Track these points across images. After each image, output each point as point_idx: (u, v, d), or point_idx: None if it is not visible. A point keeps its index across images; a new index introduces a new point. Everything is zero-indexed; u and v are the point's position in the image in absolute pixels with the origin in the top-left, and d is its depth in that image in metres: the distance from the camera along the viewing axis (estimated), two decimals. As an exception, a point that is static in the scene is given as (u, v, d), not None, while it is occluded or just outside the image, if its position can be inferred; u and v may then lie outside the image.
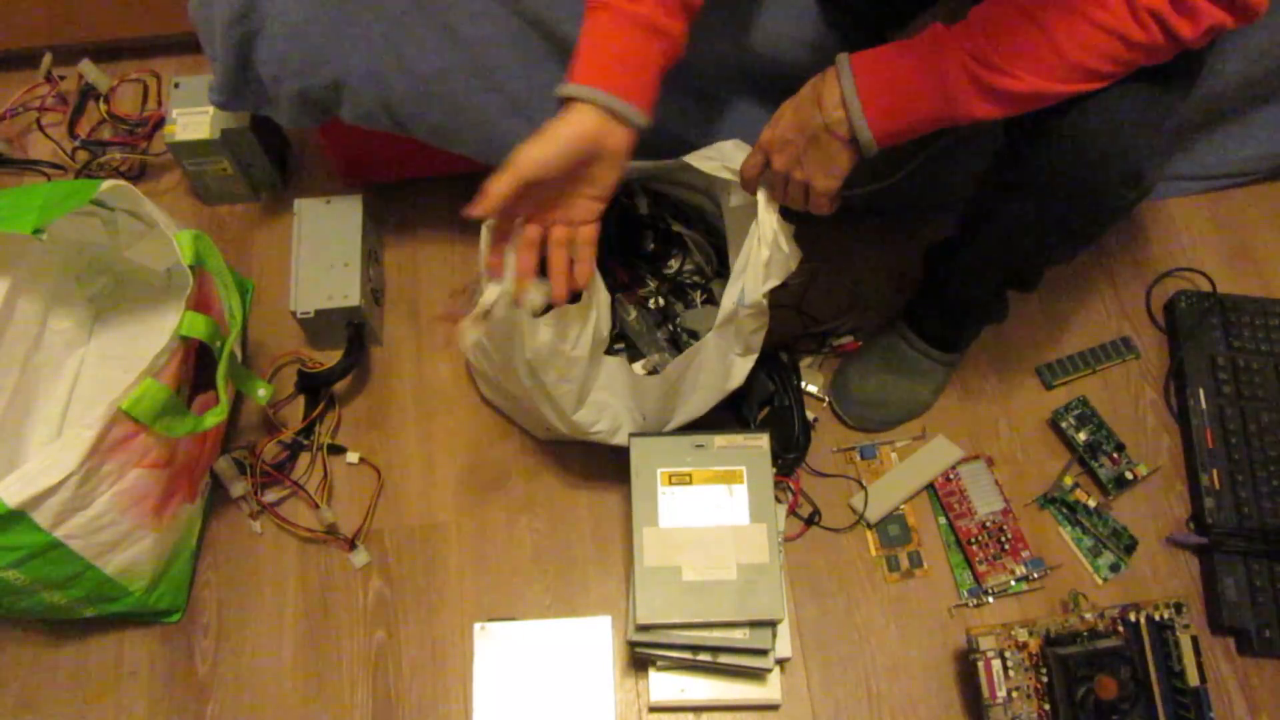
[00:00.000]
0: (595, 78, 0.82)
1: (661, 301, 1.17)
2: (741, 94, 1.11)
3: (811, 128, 0.84)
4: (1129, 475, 1.19)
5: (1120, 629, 1.04)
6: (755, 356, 1.08)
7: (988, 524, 1.17)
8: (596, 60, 0.83)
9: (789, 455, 1.18)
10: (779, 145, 0.87)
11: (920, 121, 0.81)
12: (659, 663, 1.07)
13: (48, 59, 1.41)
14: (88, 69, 1.39)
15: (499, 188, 0.81)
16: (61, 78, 1.43)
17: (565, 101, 0.83)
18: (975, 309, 1.17)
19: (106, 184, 1.00)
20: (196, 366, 1.05)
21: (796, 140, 0.86)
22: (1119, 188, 0.84)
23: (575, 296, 0.94)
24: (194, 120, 1.27)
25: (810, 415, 1.22)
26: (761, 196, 0.96)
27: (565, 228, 0.88)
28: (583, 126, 0.82)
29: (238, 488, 1.17)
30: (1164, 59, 0.77)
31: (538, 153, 0.81)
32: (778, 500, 1.14)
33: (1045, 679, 1.03)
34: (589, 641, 1.10)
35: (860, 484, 1.20)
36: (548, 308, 0.93)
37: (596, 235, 0.90)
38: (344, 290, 1.19)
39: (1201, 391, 1.22)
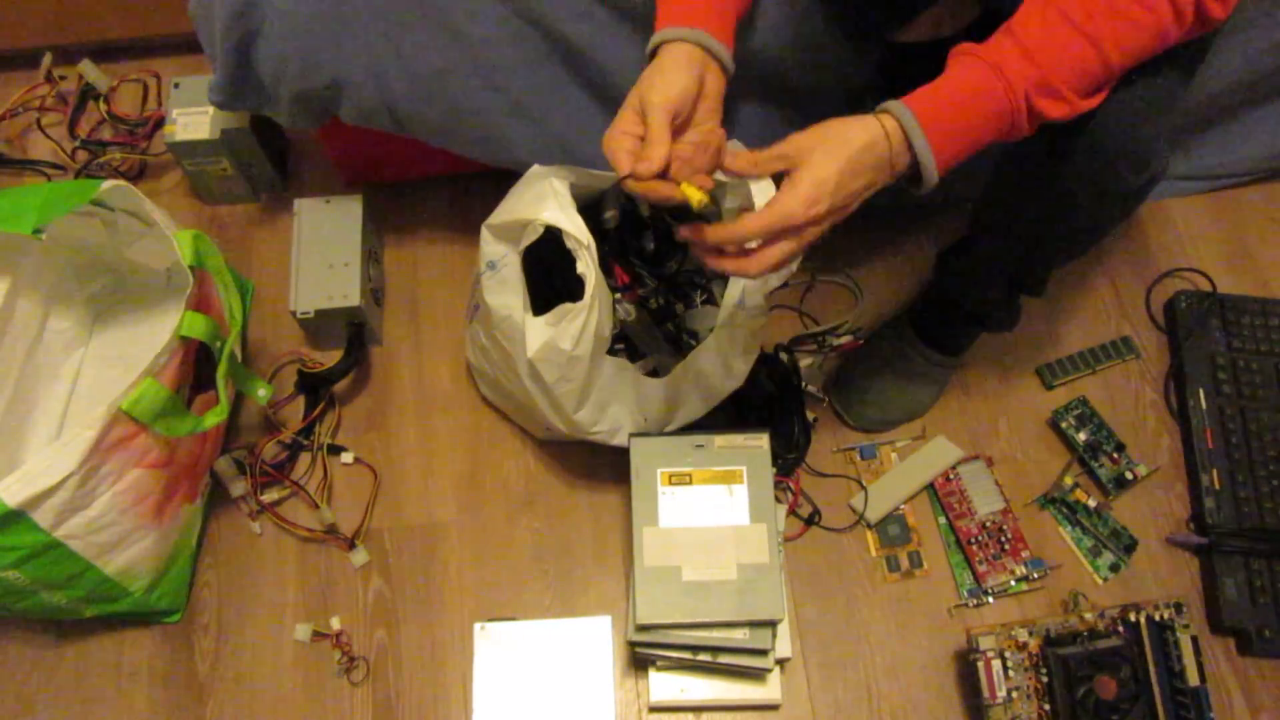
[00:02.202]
0: (688, 20, 0.82)
1: (661, 301, 1.17)
2: (739, 92, 1.11)
3: (876, 186, 0.77)
4: (1129, 475, 1.19)
5: (1120, 629, 1.04)
6: (755, 356, 1.08)
7: (988, 524, 1.17)
8: (685, 5, 0.83)
9: (789, 455, 1.18)
10: (825, 217, 0.75)
11: (975, 151, 0.78)
12: (659, 663, 1.07)
13: (48, 59, 1.41)
14: (88, 69, 1.39)
15: (659, 133, 0.76)
16: (62, 78, 1.43)
17: (658, 50, 0.82)
18: (987, 316, 1.16)
19: (106, 184, 1.00)
20: (196, 366, 1.05)
21: (849, 204, 0.76)
22: (1127, 174, 0.83)
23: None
24: (194, 120, 1.27)
25: (810, 415, 1.22)
26: (759, 198, 0.96)
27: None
28: (689, 59, 0.81)
29: (238, 488, 1.17)
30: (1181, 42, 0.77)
31: (668, 89, 0.78)
32: (778, 500, 1.14)
33: (1045, 679, 1.03)
34: (589, 641, 1.10)
35: (860, 484, 1.20)
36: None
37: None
38: (344, 290, 1.19)
39: (1201, 391, 1.22)
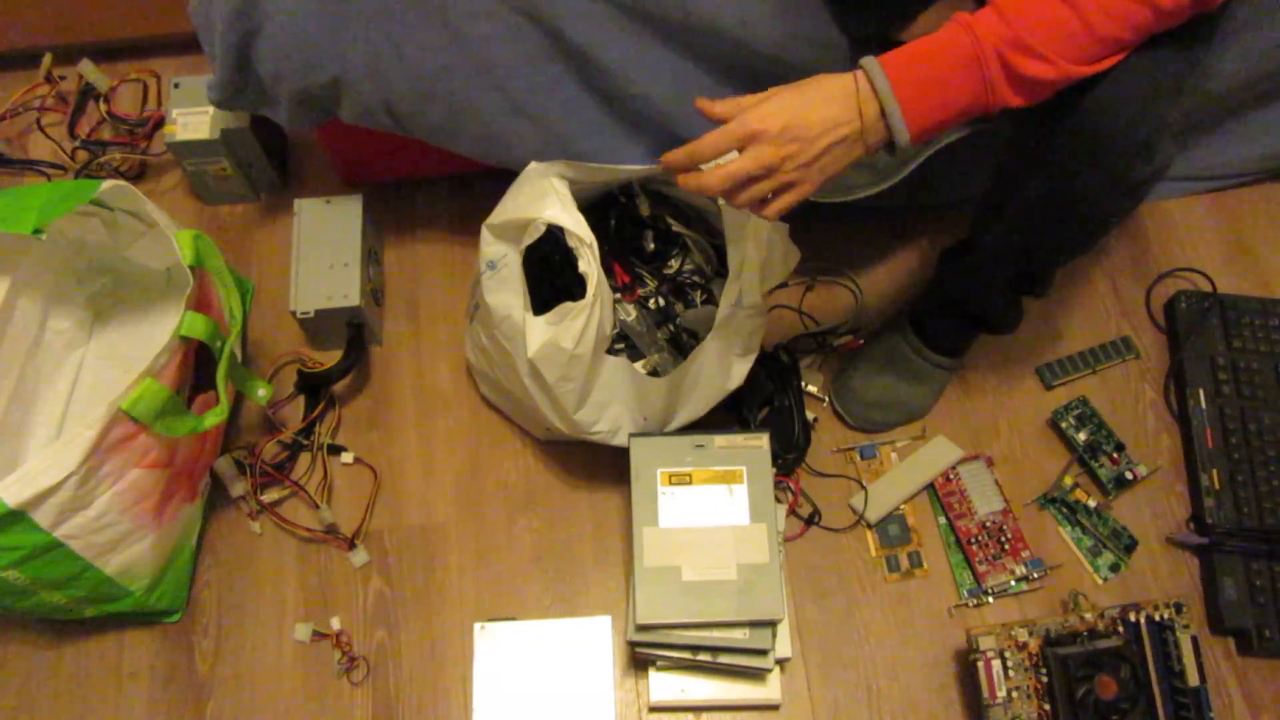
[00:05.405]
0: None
1: (661, 301, 1.17)
2: (740, 90, 1.11)
3: (845, 130, 0.79)
4: (1129, 475, 1.19)
5: (1120, 629, 1.04)
6: (755, 356, 1.08)
7: (988, 524, 1.17)
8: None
9: (789, 455, 1.18)
10: (785, 138, 0.79)
11: (956, 116, 0.80)
12: (659, 663, 1.07)
13: (48, 59, 1.41)
14: (88, 69, 1.39)
15: None
16: (61, 78, 1.43)
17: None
18: (988, 317, 1.15)
19: (106, 184, 1.00)
20: (196, 366, 1.05)
21: (818, 139, 0.79)
22: (1130, 160, 0.83)
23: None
24: (194, 120, 1.27)
25: (810, 415, 1.22)
26: None
27: None
28: None
29: (238, 488, 1.17)
30: (1180, 22, 0.77)
31: None
32: (778, 500, 1.14)
33: (1045, 679, 1.03)
34: (589, 641, 1.10)
35: (860, 484, 1.20)
36: None
37: None
38: (344, 290, 1.19)
39: (1201, 391, 1.22)
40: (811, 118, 0.79)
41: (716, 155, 0.82)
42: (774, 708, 1.08)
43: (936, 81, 0.79)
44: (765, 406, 1.21)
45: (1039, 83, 0.78)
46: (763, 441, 1.08)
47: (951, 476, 1.19)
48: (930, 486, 1.20)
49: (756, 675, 1.07)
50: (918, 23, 1.07)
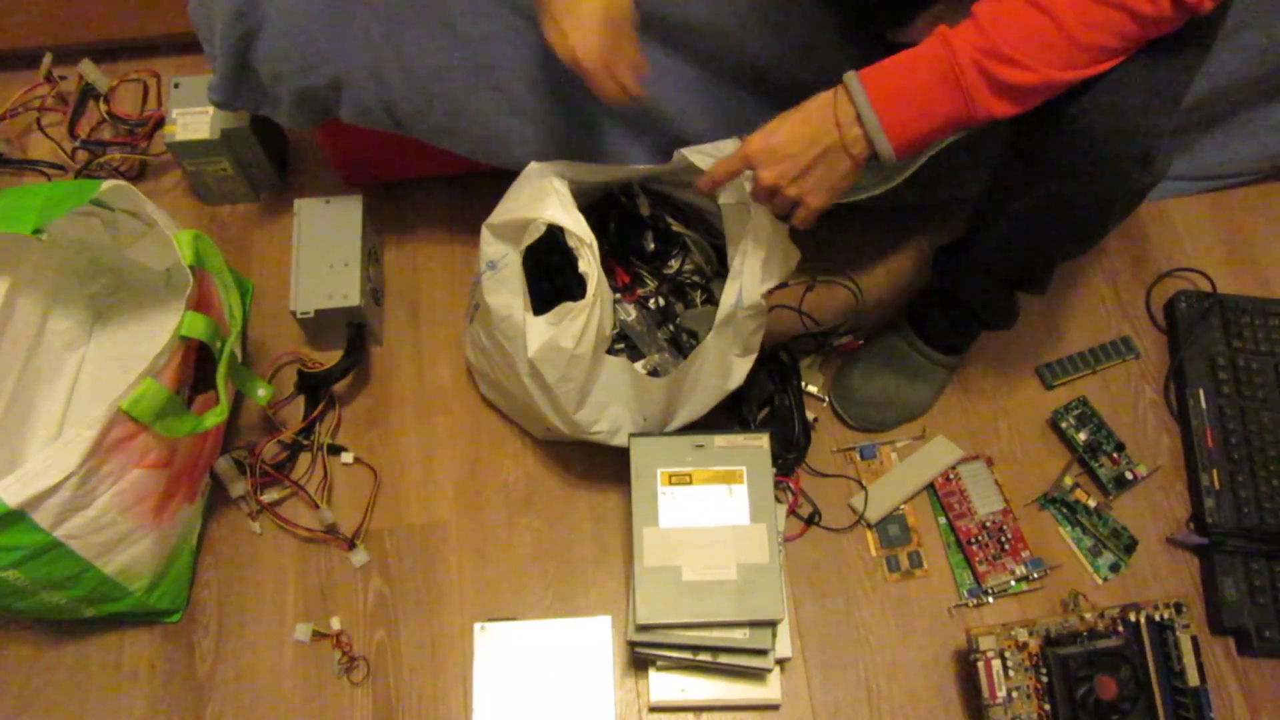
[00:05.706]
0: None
1: (661, 301, 1.17)
2: (742, 94, 1.11)
3: (824, 144, 0.82)
4: (1129, 475, 1.19)
5: (1120, 629, 1.04)
6: (755, 356, 1.08)
7: (988, 524, 1.17)
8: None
9: (789, 455, 1.18)
10: (773, 159, 0.85)
11: (939, 127, 0.81)
12: (659, 663, 1.07)
13: (48, 59, 1.41)
14: (88, 69, 1.39)
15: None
16: (62, 78, 1.43)
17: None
18: (984, 313, 1.16)
19: (106, 184, 1.00)
20: (196, 366, 1.05)
21: (800, 156, 0.84)
22: (1129, 169, 0.83)
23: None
24: (194, 120, 1.27)
25: (810, 415, 1.22)
26: (748, 185, 0.96)
27: None
28: None
29: (238, 488, 1.17)
30: (1172, 29, 0.77)
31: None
32: (778, 500, 1.14)
33: (1045, 679, 1.03)
34: (589, 641, 1.10)
35: (860, 484, 1.20)
36: None
37: None
38: (344, 290, 1.19)
39: (1201, 391, 1.22)
40: (790, 136, 0.84)
41: (727, 179, 0.91)
42: (774, 708, 1.08)
43: (914, 93, 0.79)
44: (765, 406, 1.21)
45: (1022, 89, 0.77)
46: (763, 441, 1.08)
47: (951, 476, 1.19)
48: (930, 486, 1.20)
49: (756, 675, 1.07)
50: (916, 26, 1.07)
